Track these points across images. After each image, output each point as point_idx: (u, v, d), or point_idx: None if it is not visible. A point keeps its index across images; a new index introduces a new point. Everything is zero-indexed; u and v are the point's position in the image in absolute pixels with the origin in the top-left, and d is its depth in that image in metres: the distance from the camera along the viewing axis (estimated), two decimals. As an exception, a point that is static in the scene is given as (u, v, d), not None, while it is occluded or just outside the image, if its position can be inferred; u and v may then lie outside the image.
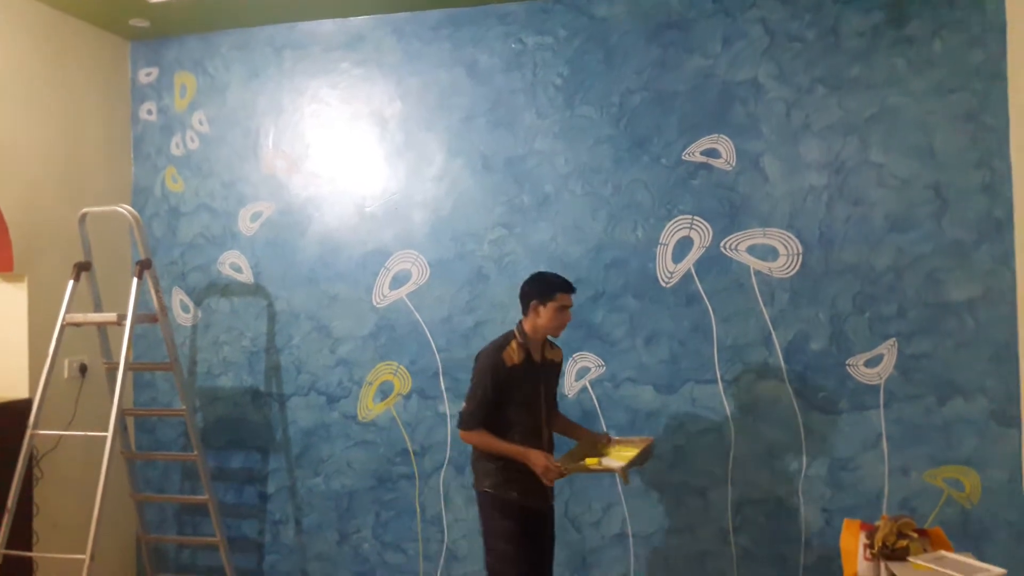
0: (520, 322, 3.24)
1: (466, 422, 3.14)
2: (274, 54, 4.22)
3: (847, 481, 3.55)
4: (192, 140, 4.33)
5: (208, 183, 4.30)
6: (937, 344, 3.47)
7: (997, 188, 3.42)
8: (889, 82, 3.54)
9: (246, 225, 4.23)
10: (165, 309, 3.81)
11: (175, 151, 4.35)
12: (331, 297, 4.11)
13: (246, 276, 4.22)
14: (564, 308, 3.17)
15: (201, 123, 4.31)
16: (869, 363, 3.55)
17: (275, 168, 4.22)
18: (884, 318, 3.52)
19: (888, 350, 3.52)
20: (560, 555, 3.81)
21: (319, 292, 4.13)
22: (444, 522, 3.96)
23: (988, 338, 3.42)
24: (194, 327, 4.29)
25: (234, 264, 4.24)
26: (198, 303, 4.29)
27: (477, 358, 3.23)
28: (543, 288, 3.17)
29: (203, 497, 3.88)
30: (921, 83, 3.51)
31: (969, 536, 3.41)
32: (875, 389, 3.53)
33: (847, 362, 3.56)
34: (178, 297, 4.30)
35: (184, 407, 3.82)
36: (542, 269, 3.81)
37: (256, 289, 4.21)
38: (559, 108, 3.85)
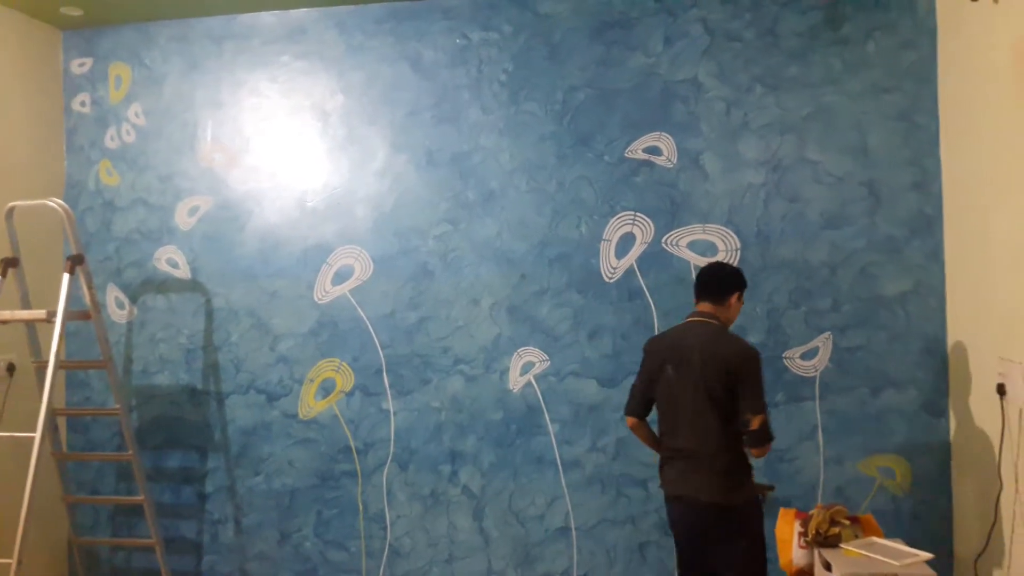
0: (713, 312, 2.94)
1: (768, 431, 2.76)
2: (213, 46, 4.15)
3: (784, 471, 3.65)
4: (128, 133, 4.24)
5: (144, 177, 4.22)
6: (870, 337, 3.59)
7: (927, 186, 3.56)
8: (825, 82, 3.65)
9: (183, 220, 4.17)
10: (98, 306, 3.73)
11: (110, 144, 4.25)
12: (271, 293, 4.07)
13: (183, 272, 4.15)
14: None
15: (137, 115, 4.23)
16: (805, 356, 3.65)
17: (213, 162, 4.16)
18: (819, 312, 3.63)
19: (823, 343, 3.63)
20: (504, 549, 3.85)
21: (259, 288, 4.08)
22: (387, 519, 3.96)
23: (918, 331, 3.55)
24: (129, 324, 4.20)
25: (171, 260, 4.17)
26: (134, 300, 4.20)
27: (749, 359, 2.80)
28: (744, 280, 2.98)
29: (138, 498, 3.81)
30: (856, 83, 3.63)
31: (900, 523, 3.54)
32: (811, 381, 3.64)
33: (784, 355, 3.67)
34: (113, 294, 4.21)
35: (118, 406, 3.74)
36: (488, 264, 3.86)
37: (194, 285, 4.14)
38: (504, 104, 3.88)
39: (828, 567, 2.61)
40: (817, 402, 3.64)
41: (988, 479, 3.05)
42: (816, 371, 3.64)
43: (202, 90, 4.16)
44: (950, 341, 3.52)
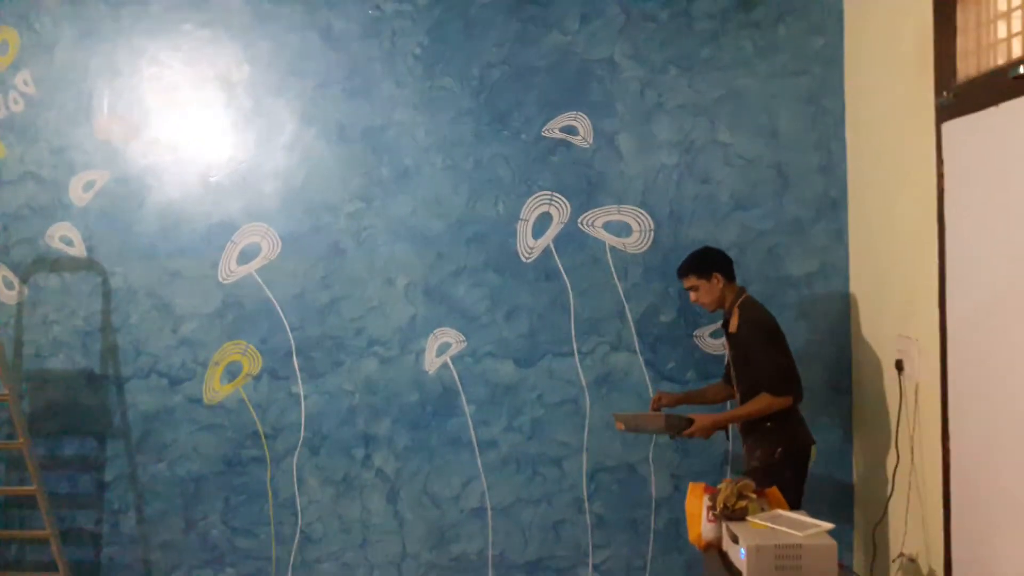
0: (723, 288, 3.29)
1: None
2: (109, 11, 3.95)
3: (694, 448, 3.76)
4: (15, 102, 4.01)
5: (35, 149, 4.00)
6: (777, 316, 3.69)
7: (833, 169, 3.70)
8: (737, 64, 3.74)
9: (78, 195, 3.98)
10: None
11: (-6, 112, 4.02)
12: (172, 273, 3.93)
13: (78, 250, 3.97)
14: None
15: (26, 83, 4.00)
16: (714, 334, 3.76)
17: (110, 134, 3.98)
18: (730, 292, 3.74)
19: (733, 322, 3.74)
20: (419, 531, 3.86)
21: (159, 267, 3.94)
22: (298, 505, 3.90)
23: (823, 310, 3.70)
24: (19, 305, 4.00)
25: (64, 237, 3.98)
26: (24, 279, 4.00)
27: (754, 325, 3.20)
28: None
29: (31, 488, 3.65)
30: (766, 66, 3.73)
31: (804, 496, 3.69)
32: (720, 359, 3.75)
33: (694, 333, 3.77)
34: (0, 273, 4.00)
35: (6, 391, 3.57)
36: (403, 243, 3.82)
37: (89, 264, 3.97)
38: (418, 79, 3.83)
39: (735, 540, 2.71)
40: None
41: (887, 452, 3.21)
42: (724, 349, 3.75)
43: (97, 58, 3.96)
44: (853, 320, 3.68)
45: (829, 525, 2.75)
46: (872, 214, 3.48)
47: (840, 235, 3.69)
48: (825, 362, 3.71)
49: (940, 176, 2.81)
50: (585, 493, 3.82)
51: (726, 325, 3.34)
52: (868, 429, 3.55)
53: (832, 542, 2.65)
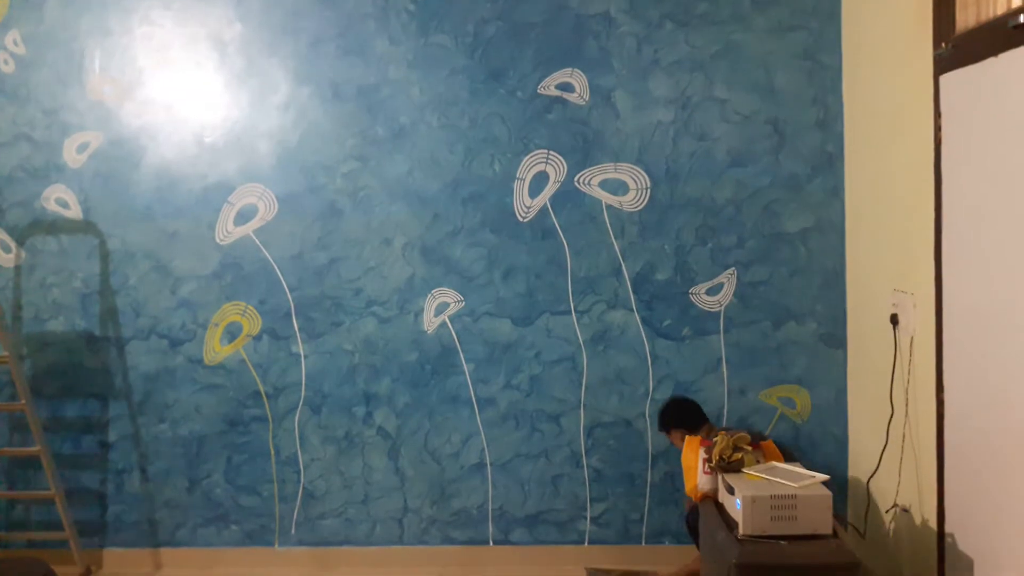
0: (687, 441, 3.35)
1: None
2: (97, -32, 3.88)
3: (691, 404, 3.78)
4: (6, 62, 3.94)
5: (27, 110, 3.94)
6: (772, 272, 3.72)
7: (830, 124, 3.66)
8: (733, 19, 3.69)
9: (72, 157, 3.93)
10: (-19, 248, 3.51)
11: (-15, 74, 3.96)
12: (170, 234, 3.91)
13: (74, 212, 3.94)
14: None
15: (16, 43, 3.93)
16: (710, 291, 3.76)
17: (103, 94, 3.92)
18: (724, 248, 3.73)
19: (728, 279, 3.74)
20: (420, 487, 3.90)
21: (156, 229, 3.91)
22: (300, 463, 3.93)
23: (819, 266, 3.70)
24: (17, 268, 3.97)
25: (60, 199, 3.94)
26: (20, 242, 3.97)
27: None
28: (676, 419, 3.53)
29: (34, 448, 3.67)
30: (763, 21, 3.68)
31: (799, 449, 3.73)
32: (716, 316, 3.76)
33: (690, 291, 3.77)
34: (-4, 236, 3.98)
35: (6, 353, 3.57)
36: (399, 203, 3.80)
37: (86, 226, 3.94)
38: (413, 36, 3.78)
39: (731, 491, 2.74)
40: (721, 336, 3.76)
41: (881, 405, 3.23)
42: (721, 306, 3.76)
43: (88, 16, 3.89)
44: (849, 275, 3.68)
45: (824, 476, 2.79)
46: (869, 169, 3.46)
47: (837, 191, 3.68)
48: (820, 318, 3.72)
49: (937, 129, 2.79)
50: (583, 448, 3.85)
51: None
52: (862, 383, 3.58)
53: (827, 492, 2.69)
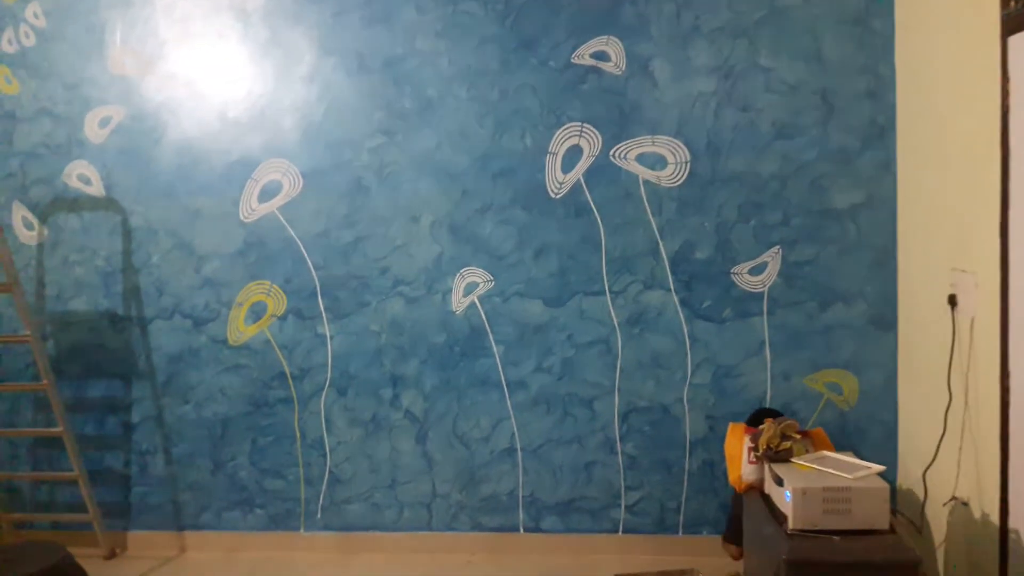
0: None
1: None
2: (117, -63, 3.73)
3: (730, 388, 3.58)
4: (27, 36, 3.81)
5: (48, 85, 3.82)
6: (819, 251, 3.49)
7: (881, 94, 3.41)
8: (779, -17, 3.45)
9: (94, 132, 3.80)
10: (1, 226, 3.39)
11: (7, 48, 3.82)
12: (193, 212, 3.77)
13: (96, 189, 3.81)
14: None
15: (36, 16, 3.80)
16: (753, 271, 3.54)
17: (125, 68, 3.78)
18: (768, 226, 3.51)
19: (772, 258, 3.52)
20: (448, 472, 3.74)
21: (179, 206, 3.77)
22: (326, 446, 3.79)
23: (868, 244, 3.46)
24: (40, 246, 3.86)
25: (82, 175, 3.81)
26: (43, 219, 3.85)
27: None
28: None
29: (57, 429, 3.55)
30: (810, -15, 3.44)
31: (846, 437, 3.50)
32: (759, 296, 3.54)
33: (732, 270, 3.55)
34: (19, 213, 3.85)
35: (28, 332, 3.45)
36: (427, 179, 3.62)
37: (108, 203, 3.81)
38: (441, 3, 3.57)
39: (779, 482, 2.54)
40: (765, 318, 3.54)
41: (937, 392, 3.00)
42: (764, 286, 3.53)
43: (108, -13, 3.75)
44: (900, 254, 3.44)
45: (879, 467, 2.58)
46: (923, 141, 3.21)
47: (888, 164, 3.43)
48: (869, 299, 3.48)
49: (1005, 94, 2.54)
50: (617, 434, 3.66)
51: None
52: (915, 367, 3.34)
53: (884, 484, 2.48)
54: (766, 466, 2.68)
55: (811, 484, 2.44)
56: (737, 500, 3.08)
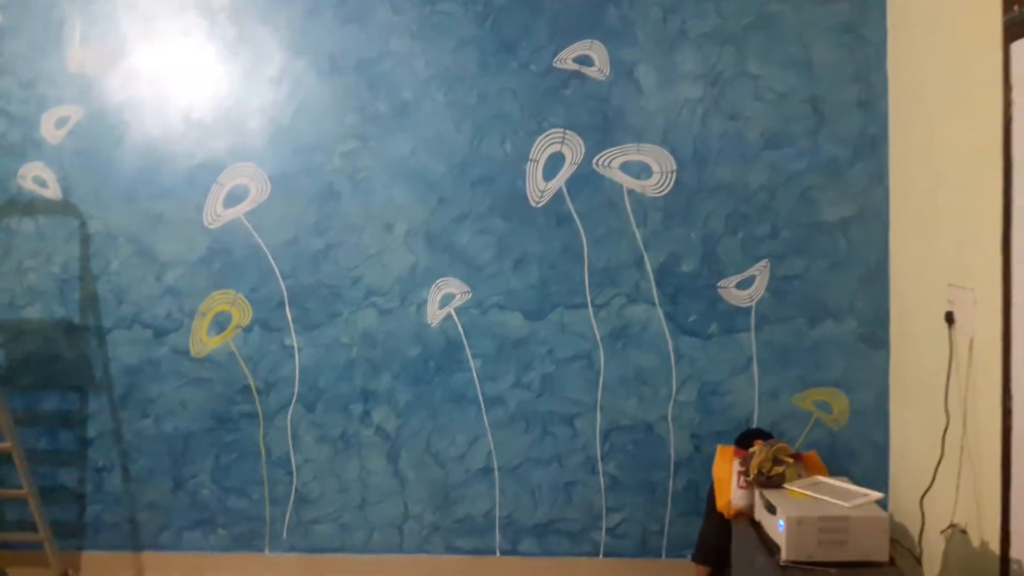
0: None
1: None
2: (79, -72, 3.52)
3: (717, 406, 3.42)
4: (-19, 30, 3.60)
5: (3, 82, 3.59)
6: (809, 265, 3.35)
7: (873, 103, 3.28)
8: (769, -13, 3.31)
9: (50, 132, 3.58)
10: (-54, 229, 3.16)
11: (-41, 43, 3.60)
12: (155, 216, 3.55)
13: (53, 191, 3.59)
14: None
15: (-9, 10, 3.59)
16: (741, 285, 3.39)
17: (84, 66, 3.56)
18: (757, 238, 3.36)
19: (760, 271, 3.37)
20: (422, 492, 3.55)
21: (140, 211, 3.56)
22: (293, 463, 3.58)
23: (860, 258, 3.32)
24: (-9, 251, 3.63)
25: (37, 178, 3.59)
26: (-5, 224, 3.63)
27: None
28: None
29: (5, 444, 3.32)
30: (800, -10, 3.30)
31: (836, 458, 3.35)
32: (746, 311, 3.39)
33: (719, 284, 3.39)
34: (-30, 216, 3.63)
35: (-26, 344, 3.22)
36: (402, 186, 3.44)
37: (65, 207, 3.59)
38: (417, 3, 3.40)
39: (772, 509, 2.38)
40: (752, 333, 3.39)
41: (933, 413, 2.86)
42: (752, 301, 3.39)
43: (67, -20, 3.54)
44: (893, 269, 3.31)
45: (877, 495, 2.43)
46: (917, 152, 3.08)
47: (880, 177, 3.29)
48: (860, 316, 3.34)
49: (1008, 103, 2.40)
50: (599, 453, 3.49)
51: None
52: (909, 387, 3.20)
53: (883, 514, 2.33)
54: (756, 491, 2.52)
55: (806, 513, 2.28)
56: (710, 519, 2.93)
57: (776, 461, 2.52)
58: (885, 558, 2.28)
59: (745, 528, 2.54)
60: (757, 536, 2.45)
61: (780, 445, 2.56)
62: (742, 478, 2.56)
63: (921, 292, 3.04)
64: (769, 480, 2.49)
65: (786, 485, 2.48)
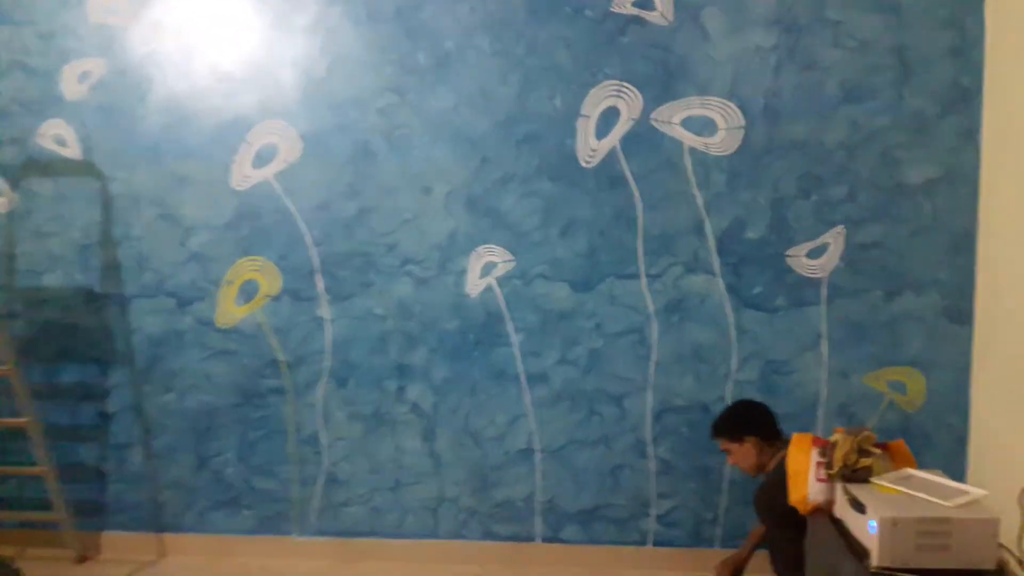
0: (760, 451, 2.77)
1: None
2: None
3: (781, 386, 3.10)
4: (-3, -21, 3.34)
5: (21, 34, 3.34)
6: (889, 232, 2.99)
7: (966, 52, 2.90)
8: (850, -77, 2.93)
9: (71, 88, 3.32)
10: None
11: (-25, -7, 3.35)
12: (180, 178, 3.29)
13: (73, 151, 3.33)
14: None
15: (8, -42, 3.33)
16: (812, 253, 3.05)
17: (106, 17, 3.30)
18: (832, 202, 3.01)
19: (834, 239, 3.02)
20: (459, 474, 3.29)
21: (165, 172, 3.29)
22: (323, 442, 3.32)
23: (945, 225, 2.96)
24: (10, 214, 3.39)
25: (58, 136, 3.34)
26: (14, 185, 3.38)
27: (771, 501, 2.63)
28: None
29: (21, 420, 3.10)
30: (886, -75, 2.92)
31: (909, 443, 2.98)
32: (817, 283, 3.05)
33: (787, 252, 3.06)
34: (-13, 177, 3.39)
35: (-11, 310, 2.99)
36: (442, 145, 3.14)
37: (86, 167, 3.33)
38: (460, -56, 3.09)
39: (859, 508, 2.06)
40: (823, 307, 3.06)
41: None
42: (824, 271, 3.04)
43: (87, -76, 3.26)
44: (981, 237, 2.94)
45: (982, 492, 2.09)
46: (1017, 107, 2.70)
47: (972, 133, 2.92)
48: (943, 289, 2.99)
49: None
50: (649, 435, 3.19)
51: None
52: (996, 369, 2.84)
53: (993, 516, 1.99)
54: (839, 486, 2.20)
55: (902, 513, 1.95)
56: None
57: (862, 452, 2.20)
58: (992, 565, 1.96)
59: (824, 526, 2.22)
60: (839, 536, 2.13)
61: (865, 434, 2.24)
62: (822, 470, 2.24)
63: (1021, 262, 2.67)
64: (855, 474, 2.17)
65: (874, 479, 2.16)
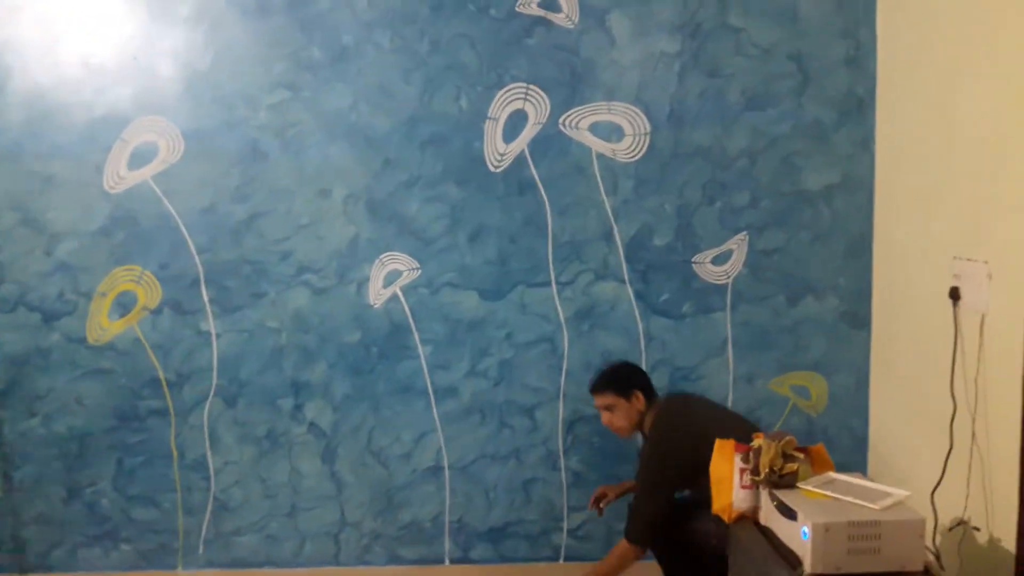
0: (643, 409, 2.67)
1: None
2: None
3: (689, 391, 3.03)
4: None
5: None
6: (790, 238, 2.98)
7: (861, 62, 2.92)
8: (751, -67, 2.91)
9: (-88, 77, 2.89)
10: None
11: None
12: (44, 179, 2.91)
13: (-85, 148, 2.90)
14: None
15: None
16: (717, 260, 3.00)
17: (-46, -2, 2.89)
18: (735, 209, 2.97)
19: (738, 245, 2.99)
20: (361, 496, 3.05)
21: (26, 172, 2.91)
22: (210, 467, 3.00)
23: (843, 231, 2.97)
24: None
25: None
26: None
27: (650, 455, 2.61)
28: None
29: None
30: (784, -63, 2.92)
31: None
32: (722, 289, 3.01)
33: (693, 259, 3.00)
34: None
35: None
36: (340, 145, 2.91)
37: (-69, 167, 2.91)
38: (358, -66, 2.87)
39: (789, 514, 1.98)
40: (728, 313, 3.01)
41: (928, 399, 2.53)
42: (728, 278, 3.00)
43: None
44: (876, 242, 2.98)
45: (904, 493, 2.05)
46: (909, 115, 2.74)
47: (867, 142, 2.95)
48: (842, 293, 3.00)
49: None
50: (561, 447, 3.05)
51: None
52: (895, 371, 2.88)
53: (919, 516, 1.95)
54: (764, 492, 2.13)
55: (834, 518, 1.89)
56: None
57: (785, 456, 2.13)
58: (920, 567, 1.92)
59: (751, 534, 2.13)
60: (768, 544, 2.05)
61: (787, 438, 2.17)
62: (747, 476, 2.16)
63: (916, 267, 2.71)
64: (781, 479, 2.10)
65: (799, 484, 2.10)
